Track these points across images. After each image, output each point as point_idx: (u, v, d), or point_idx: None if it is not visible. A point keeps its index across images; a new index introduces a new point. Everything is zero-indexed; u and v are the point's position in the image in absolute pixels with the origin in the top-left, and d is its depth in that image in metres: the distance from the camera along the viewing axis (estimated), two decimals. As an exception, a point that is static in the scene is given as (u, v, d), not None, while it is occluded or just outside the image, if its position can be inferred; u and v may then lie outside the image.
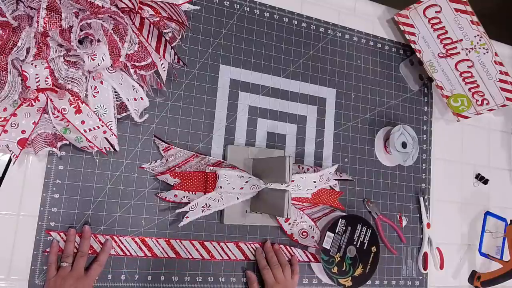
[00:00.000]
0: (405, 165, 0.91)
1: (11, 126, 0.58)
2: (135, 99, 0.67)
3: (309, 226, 0.79)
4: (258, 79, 0.82)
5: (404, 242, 0.91)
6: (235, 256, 0.75)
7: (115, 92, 0.65)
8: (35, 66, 0.57)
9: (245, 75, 0.81)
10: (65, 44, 0.59)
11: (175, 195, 0.71)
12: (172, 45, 0.71)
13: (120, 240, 0.68)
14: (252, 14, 0.83)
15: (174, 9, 0.68)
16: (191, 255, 0.72)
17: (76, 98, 0.60)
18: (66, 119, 0.60)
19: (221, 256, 0.74)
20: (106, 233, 0.68)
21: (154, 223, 0.71)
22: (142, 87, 0.67)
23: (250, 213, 0.76)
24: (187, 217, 0.70)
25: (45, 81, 0.58)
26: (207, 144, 0.76)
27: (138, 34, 0.64)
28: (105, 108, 0.64)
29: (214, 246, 0.74)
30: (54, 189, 0.66)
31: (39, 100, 0.59)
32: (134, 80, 0.66)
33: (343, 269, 0.79)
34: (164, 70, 0.69)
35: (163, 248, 0.71)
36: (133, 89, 0.66)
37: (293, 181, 0.76)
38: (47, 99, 0.59)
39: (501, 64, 0.88)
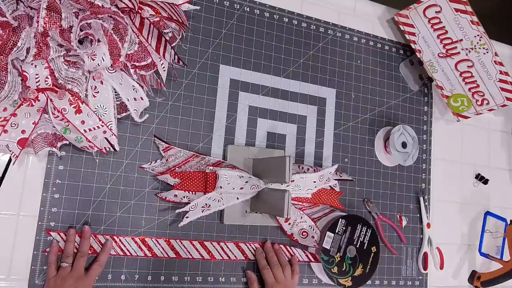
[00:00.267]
0: (405, 165, 0.91)
1: (11, 126, 0.58)
2: (135, 99, 0.67)
3: (309, 226, 0.79)
4: (258, 79, 0.82)
5: (404, 242, 0.91)
6: (235, 256, 0.75)
7: (115, 92, 0.65)
8: (35, 66, 0.57)
9: (245, 75, 0.81)
10: (65, 44, 0.59)
11: (175, 195, 0.71)
12: (172, 45, 0.71)
13: (120, 240, 0.68)
14: (252, 14, 0.83)
15: (174, 9, 0.68)
16: (191, 255, 0.72)
17: (76, 98, 0.60)
18: (66, 119, 0.60)
19: (221, 256, 0.74)
20: (106, 233, 0.68)
21: (154, 223, 0.71)
22: (142, 87, 0.67)
23: (250, 213, 0.76)
24: (187, 217, 0.70)
25: (45, 81, 0.58)
26: (207, 144, 0.76)
27: (138, 34, 0.64)
28: (105, 108, 0.64)
29: (214, 246, 0.74)
30: (54, 189, 0.66)
31: (39, 100, 0.59)
32: (134, 80, 0.66)
33: (343, 269, 0.79)
34: (164, 70, 0.69)
35: (163, 248, 0.71)
36: (133, 89, 0.66)
37: (293, 181, 0.76)
38: (47, 99, 0.59)
39: (501, 64, 0.88)
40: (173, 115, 0.74)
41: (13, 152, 0.59)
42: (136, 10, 0.63)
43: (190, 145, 0.75)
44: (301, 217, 0.78)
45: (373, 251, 0.82)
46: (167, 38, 0.70)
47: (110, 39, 0.61)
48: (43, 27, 0.56)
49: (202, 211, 0.71)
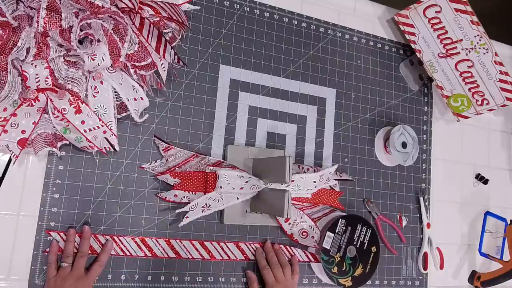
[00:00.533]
0: (405, 165, 0.91)
1: (11, 126, 0.58)
2: (135, 99, 0.67)
3: (309, 226, 0.79)
4: (258, 79, 0.82)
5: (404, 242, 0.91)
6: (235, 256, 0.75)
7: (115, 92, 0.65)
8: (35, 66, 0.57)
9: (245, 75, 0.81)
10: (65, 44, 0.59)
11: (175, 195, 0.71)
12: (172, 45, 0.71)
13: (120, 240, 0.68)
14: (252, 14, 0.83)
15: (174, 9, 0.68)
16: (191, 255, 0.72)
17: (76, 98, 0.60)
18: (66, 119, 0.60)
19: (221, 256, 0.74)
20: (106, 233, 0.68)
21: (154, 223, 0.71)
22: (142, 87, 0.67)
23: (250, 213, 0.76)
24: (187, 217, 0.70)
25: (45, 81, 0.58)
26: (207, 144, 0.76)
27: (138, 34, 0.64)
28: (105, 108, 0.64)
29: (214, 246, 0.74)
30: (54, 189, 0.66)
31: (39, 100, 0.59)
32: (134, 80, 0.66)
33: (343, 269, 0.79)
34: (164, 70, 0.69)
35: (163, 248, 0.71)
36: (133, 89, 0.66)
37: (293, 181, 0.76)
38: (47, 99, 0.59)
39: (501, 64, 0.88)
40: (173, 115, 0.74)
41: (13, 152, 0.59)
42: (136, 10, 0.63)
43: (190, 145, 0.75)
44: (301, 217, 0.78)
45: (373, 251, 0.82)
46: (167, 38, 0.70)
47: (110, 39, 0.61)
48: (43, 27, 0.56)
49: (202, 211, 0.71)
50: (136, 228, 0.70)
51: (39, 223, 0.64)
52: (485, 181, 1.03)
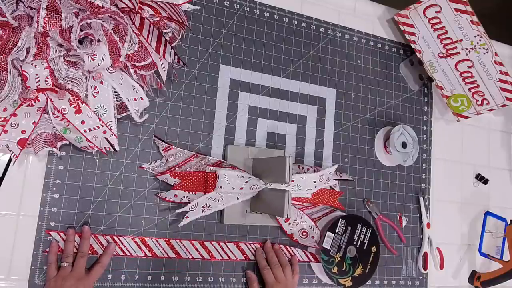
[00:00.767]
0: (405, 165, 0.91)
1: (11, 126, 0.58)
2: (135, 99, 0.67)
3: (309, 226, 0.79)
4: (258, 79, 0.82)
5: (404, 242, 0.91)
6: (235, 256, 0.75)
7: (115, 92, 0.65)
8: (35, 66, 0.57)
9: (245, 75, 0.81)
10: (65, 44, 0.59)
11: (175, 195, 0.71)
12: (172, 45, 0.71)
13: (120, 240, 0.68)
14: (252, 14, 0.83)
15: (174, 9, 0.68)
16: (191, 255, 0.72)
17: (76, 98, 0.60)
18: (66, 119, 0.60)
19: (221, 256, 0.74)
20: (106, 233, 0.68)
21: (154, 223, 0.71)
22: (142, 87, 0.67)
23: (250, 213, 0.76)
24: (187, 217, 0.70)
25: (45, 81, 0.58)
26: (207, 144, 0.76)
27: (138, 34, 0.64)
28: (105, 108, 0.64)
29: (214, 246, 0.74)
30: (54, 189, 0.66)
31: (39, 100, 0.59)
32: (134, 80, 0.66)
33: (343, 269, 0.79)
34: (164, 70, 0.69)
35: (163, 248, 0.71)
36: (133, 89, 0.66)
37: (293, 181, 0.76)
38: (47, 99, 0.59)
39: (501, 64, 0.88)
40: (173, 115, 0.74)
41: (13, 152, 0.59)
42: (136, 10, 0.63)
43: (190, 145, 0.75)
44: (301, 217, 0.78)
45: (373, 251, 0.82)
46: (167, 38, 0.70)
47: (110, 39, 0.61)
48: (43, 27, 0.56)
49: (202, 211, 0.71)
50: (136, 228, 0.70)
51: (39, 223, 0.64)
52: (485, 181, 1.03)
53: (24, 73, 0.56)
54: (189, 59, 0.76)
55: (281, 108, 0.83)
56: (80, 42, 0.61)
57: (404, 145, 0.89)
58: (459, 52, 0.90)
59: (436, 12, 0.88)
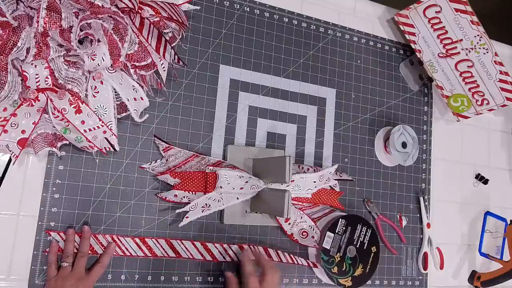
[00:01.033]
0: (405, 165, 0.91)
1: (11, 126, 0.58)
2: (135, 99, 0.67)
3: (309, 226, 0.79)
4: (258, 79, 0.82)
5: (404, 242, 0.91)
6: (237, 257, 0.75)
7: (115, 92, 0.65)
8: (35, 66, 0.57)
9: (245, 75, 0.81)
10: (65, 44, 0.59)
11: (175, 195, 0.71)
12: (172, 45, 0.71)
13: (120, 240, 0.68)
14: (252, 14, 0.83)
15: (174, 9, 0.68)
16: (191, 255, 0.72)
17: (76, 98, 0.60)
18: (66, 119, 0.60)
19: (224, 258, 0.74)
20: (106, 233, 0.68)
21: (154, 223, 0.71)
22: (142, 87, 0.67)
23: (250, 213, 0.76)
24: (187, 217, 0.70)
25: (45, 81, 0.58)
26: (207, 144, 0.76)
27: (138, 34, 0.64)
28: (105, 108, 0.64)
29: (217, 247, 0.74)
30: (54, 189, 0.66)
31: (39, 100, 0.59)
32: (134, 80, 0.66)
33: (343, 269, 0.79)
34: (164, 70, 0.69)
35: (163, 248, 0.71)
36: (133, 89, 0.66)
37: (293, 181, 0.76)
38: (47, 99, 0.59)
39: (501, 64, 0.88)
40: (173, 115, 0.74)
41: (13, 152, 0.59)
42: (136, 10, 0.63)
43: (190, 145, 0.75)
44: (301, 217, 0.78)
45: (373, 251, 0.82)
46: (167, 38, 0.70)
47: (110, 39, 0.61)
48: (43, 27, 0.56)
49: (202, 211, 0.71)
50: (136, 228, 0.70)
51: (39, 223, 0.64)
52: (485, 181, 1.03)
53: (24, 73, 0.56)
54: (189, 59, 0.76)
55: (281, 108, 0.83)
56: (80, 42, 0.61)
57: (404, 145, 0.89)
58: (459, 52, 0.90)
59: (436, 12, 0.88)
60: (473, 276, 0.96)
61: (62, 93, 0.59)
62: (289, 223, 0.78)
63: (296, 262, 0.77)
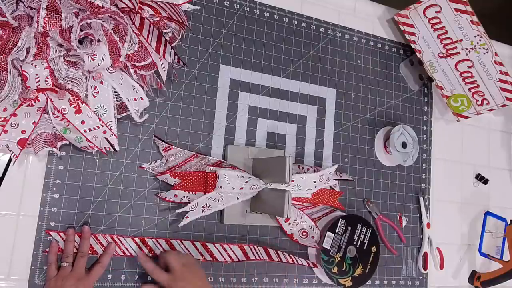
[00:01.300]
0: (405, 165, 0.91)
1: (11, 126, 0.58)
2: (135, 99, 0.67)
3: (309, 226, 0.79)
4: (258, 79, 0.82)
5: (404, 242, 0.91)
6: (237, 257, 0.75)
7: (115, 92, 0.65)
8: (35, 66, 0.57)
9: (245, 75, 0.81)
10: (65, 44, 0.59)
11: (175, 195, 0.71)
12: (172, 45, 0.71)
13: (120, 240, 0.68)
14: (252, 14, 0.83)
15: (174, 9, 0.68)
16: (191, 254, 0.72)
17: (76, 98, 0.60)
18: (66, 119, 0.60)
19: (224, 258, 0.74)
20: (106, 233, 0.68)
21: (154, 223, 0.71)
22: (142, 87, 0.67)
23: (250, 213, 0.76)
24: (187, 217, 0.70)
25: (45, 81, 0.58)
26: (207, 144, 0.76)
27: (138, 34, 0.64)
28: (105, 108, 0.64)
29: (217, 248, 0.74)
30: (54, 189, 0.66)
31: (39, 100, 0.59)
32: (134, 80, 0.66)
33: (343, 269, 0.79)
34: (164, 70, 0.69)
35: (163, 248, 0.71)
36: (133, 89, 0.66)
37: (293, 181, 0.76)
38: (47, 99, 0.59)
39: (501, 64, 0.88)
40: (173, 115, 0.74)
41: (13, 152, 0.59)
42: (136, 10, 0.63)
43: (190, 145, 0.75)
44: (301, 217, 0.78)
45: (373, 251, 0.82)
46: (167, 38, 0.70)
47: (110, 39, 0.61)
48: (43, 27, 0.56)
49: (202, 211, 0.71)
50: (136, 228, 0.70)
51: (39, 223, 0.64)
52: (485, 181, 1.03)
53: (24, 73, 0.56)
54: (189, 59, 0.76)
55: (281, 108, 0.83)
56: (80, 42, 0.61)
57: (404, 145, 0.89)
58: (459, 52, 0.90)
59: (436, 12, 0.88)
60: (473, 276, 0.96)
61: (62, 93, 0.59)
62: (289, 223, 0.78)
63: (296, 262, 0.77)
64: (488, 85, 0.91)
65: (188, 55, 0.76)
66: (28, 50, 0.57)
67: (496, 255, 1.00)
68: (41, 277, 0.64)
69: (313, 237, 0.78)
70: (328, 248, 0.78)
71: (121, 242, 0.68)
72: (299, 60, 0.86)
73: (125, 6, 0.62)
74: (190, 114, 0.75)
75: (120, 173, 0.70)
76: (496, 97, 0.92)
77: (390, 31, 0.97)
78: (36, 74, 0.57)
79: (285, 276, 0.79)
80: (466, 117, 0.98)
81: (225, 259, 0.74)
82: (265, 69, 0.83)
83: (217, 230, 0.75)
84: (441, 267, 0.93)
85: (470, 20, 0.86)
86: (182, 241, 0.72)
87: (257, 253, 0.75)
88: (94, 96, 0.63)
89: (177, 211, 0.70)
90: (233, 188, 0.72)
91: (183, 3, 0.72)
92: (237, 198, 0.72)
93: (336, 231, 0.79)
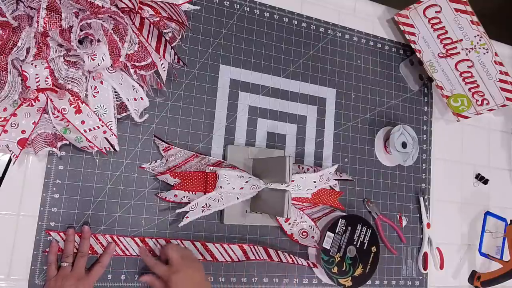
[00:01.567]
0: (405, 165, 0.91)
1: (11, 126, 0.58)
2: (135, 99, 0.67)
3: (309, 226, 0.79)
4: (258, 79, 0.82)
5: (404, 242, 0.91)
6: (237, 257, 0.75)
7: (115, 92, 0.65)
8: (35, 66, 0.57)
9: (245, 75, 0.81)
10: (65, 44, 0.59)
11: (175, 195, 0.71)
12: (172, 45, 0.71)
13: (120, 240, 0.68)
14: (252, 14, 0.83)
15: (174, 9, 0.68)
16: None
17: (76, 98, 0.60)
18: (66, 119, 0.60)
19: (224, 258, 0.74)
20: (106, 233, 0.68)
21: (154, 223, 0.71)
22: (142, 87, 0.67)
23: (250, 213, 0.76)
24: (187, 217, 0.70)
25: (45, 81, 0.58)
26: (207, 144, 0.76)
27: (138, 34, 0.64)
28: (105, 108, 0.64)
29: (217, 248, 0.74)
30: (54, 189, 0.66)
31: (39, 100, 0.59)
32: (134, 80, 0.66)
33: (343, 269, 0.79)
34: (164, 70, 0.70)
35: (163, 248, 0.71)
36: (133, 89, 0.66)
37: (293, 181, 0.76)
38: (47, 99, 0.59)
39: (501, 64, 0.88)
40: (173, 115, 0.74)
41: (13, 152, 0.59)
42: (136, 10, 0.63)
43: (190, 145, 0.75)
44: (301, 217, 0.78)
45: (373, 251, 0.82)
46: (167, 38, 0.70)
47: (110, 39, 0.61)
48: (43, 27, 0.56)
49: (202, 211, 0.71)
50: (136, 228, 0.70)
51: (39, 223, 0.64)
52: (485, 181, 1.03)
53: (24, 73, 0.56)
54: (189, 59, 0.76)
55: (281, 108, 0.83)
56: (80, 42, 0.61)
57: (404, 145, 0.89)
58: (459, 52, 0.90)
59: (436, 12, 0.88)
60: (473, 276, 0.96)
61: (62, 93, 0.59)
62: (289, 223, 0.78)
63: (296, 262, 0.77)
64: (488, 85, 0.91)
65: (188, 55, 0.76)
66: (28, 50, 0.57)
67: (496, 255, 1.00)
68: (41, 277, 0.64)
69: (313, 237, 0.78)
70: (328, 248, 0.78)
71: (121, 242, 0.68)
72: (299, 60, 0.86)
73: (125, 6, 0.62)
74: (190, 114, 0.75)
75: (120, 173, 0.70)
76: (496, 97, 0.92)
77: (390, 31, 0.97)
78: (36, 74, 0.57)
79: (285, 276, 0.79)
80: (466, 117, 0.98)
81: (225, 259, 0.74)
82: (265, 69, 0.83)
83: (217, 230, 0.75)
84: (441, 267, 0.93)
85: (470, 20, 0.86)
86: (182, 241, 0.72)
87: (257, 253, 0.75)
88: (94, 96, 0.63)
89: (177, 211, 0.70)
90: (233, 188, 0.72)
91: (183, 3, 0.72)
92: (237, 198, 0.72)
93: (336, 231, 0.79)
